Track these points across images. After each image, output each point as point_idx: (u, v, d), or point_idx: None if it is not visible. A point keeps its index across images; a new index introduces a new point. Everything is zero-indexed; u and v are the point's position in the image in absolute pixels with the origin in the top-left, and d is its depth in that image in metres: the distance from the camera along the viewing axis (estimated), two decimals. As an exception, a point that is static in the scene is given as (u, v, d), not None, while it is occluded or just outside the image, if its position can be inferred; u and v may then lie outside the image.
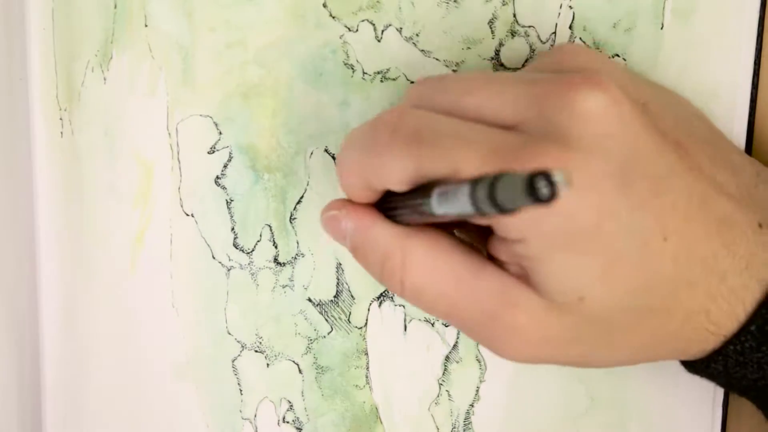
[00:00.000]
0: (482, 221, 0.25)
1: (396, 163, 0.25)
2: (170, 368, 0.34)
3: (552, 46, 0.31)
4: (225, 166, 0.32)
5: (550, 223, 0.23)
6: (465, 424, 0.34)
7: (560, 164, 0.23)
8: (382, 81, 0.32)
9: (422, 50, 0.31)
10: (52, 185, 0.33)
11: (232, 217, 0.33)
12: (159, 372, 0.34)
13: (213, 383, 0.34)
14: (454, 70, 0.31)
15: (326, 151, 0.32)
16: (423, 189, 0.25)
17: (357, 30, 0.32)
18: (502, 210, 0.18)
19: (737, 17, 0.31)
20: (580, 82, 0.24)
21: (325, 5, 0.31)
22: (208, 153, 0.32)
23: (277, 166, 0.32)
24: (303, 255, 0.33)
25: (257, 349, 0.33)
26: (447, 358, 0.33)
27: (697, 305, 0.26)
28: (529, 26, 0.31)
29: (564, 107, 0.24)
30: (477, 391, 0.33)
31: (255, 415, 0.34)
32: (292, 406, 0.34)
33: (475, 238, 0.29)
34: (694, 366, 0.29)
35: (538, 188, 0.17)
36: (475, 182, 0.19)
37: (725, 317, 0.26)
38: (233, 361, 0.33)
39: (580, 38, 0.31)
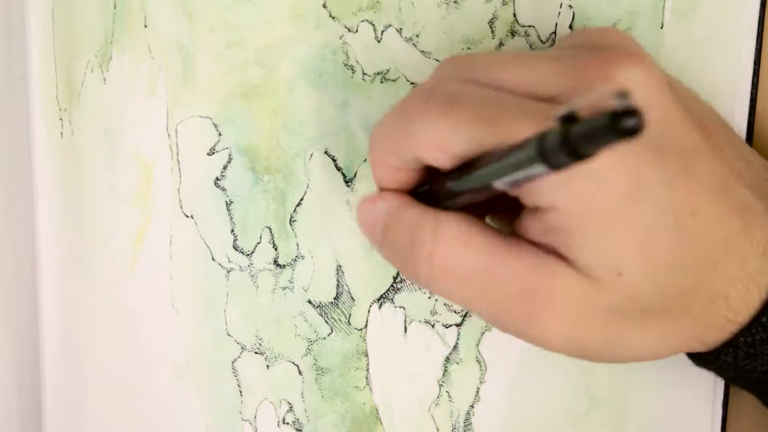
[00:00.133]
0: (521, 193, 0.24)
1: (431, 126, 0.25)
2: (170, 369, 0.34)
3: (552, 46, 0.31)
4: (225, 168, 0.32)
5: (585, 187, 0.23)
6: (465, 425, 0.34)
7: None
8: (382, 82, 0.32)
9: (422, 51, 0.31)
10: (52, 185, 0.33)
11: (231, 218, 0.33)
12: (159, 373, 0.34)
13: (213, 384, 0.34)
14: (454, 71, 0.31)
15: (326, 152, 0.32)
16: (464, 166, 0.24)
17: (357, 30, 0.31)
18: (579, 155, 0.17)
19: (737, 17, 0.31)
20: (619, 55, 0.24)
21: (325, 6, 0.31)
22: (208, 154, 0.32)
23: (277, 168, 0.32)
24: (303, 257, 0.33)
25: (257, 350, 0.33)
26: (447, 359, 0.33)
27: (719, 288, 0.26)
28: (530, 26, 0.31)
29: (604, 79, 0.24)
30: (477, 392, 0.33)
31: (255, 417, 0.34)
32: (292, 407, 0.34)
33: (504, 224, 0.29)
34: (703, 359, 0.28)
35: (622, 122, 0.16)
36: (543, 134, 0.18)
37: (742, 303, 0.26)
38: (233, 362, 0.33)
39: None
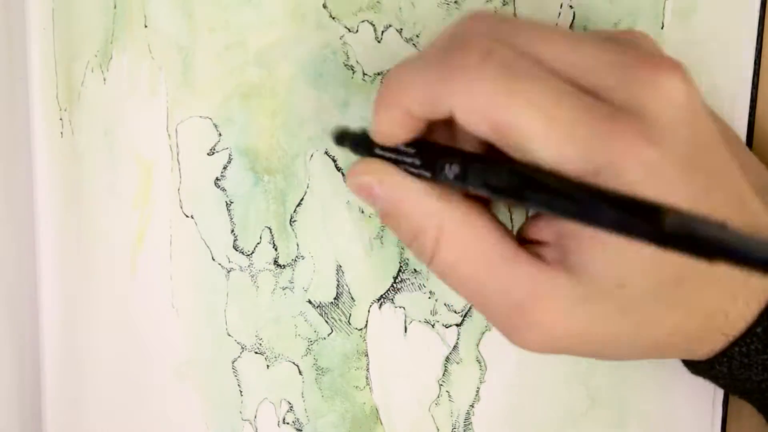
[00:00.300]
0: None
1: (484, 92, 0.23)
2: (170, 369, 0.34)
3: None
4: (225, 168, 0.32)
5: None
6: (465, 425, 0.34)
7: (647, 142, 0.23)
8: (382, 82, 0.32)
9: (422, 51, 0.31)
10: (52, 185, 0.33)
11: (232, 218, 0.33)
12: (159, 373, 0.34)
13: (213, 384, 0.34)
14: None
15: (326, 153, 0.32)
16: (493, 156, 0.24)
17: (357, 31, 0.31)
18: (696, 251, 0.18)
19: (737, 17, 0.31)
20: (669, 65, 0.24)
21: (325, 6, 0.31)
22: (208, 154, 0.32)
23: (277, 168, 0.32)
24: (303, 257, 0.33)
25: (257, 350, 0.33)
26: (447, 359, 0.33)
27: (719, 304, 0.26)
28: (530, 27, 0.31)
29: (650, 85, 0.24)
30: (477, 391, 0.33)
31: (255, 416, 0.34)
32: (292, 407, 0.34)
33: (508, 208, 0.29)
34: (697, 367, 0.29)
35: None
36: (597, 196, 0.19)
37: (739, 318, 0.26)
38: (233, 362, 0.33)
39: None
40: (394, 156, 0.27)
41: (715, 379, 0.28)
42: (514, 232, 0.28)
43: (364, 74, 0.32)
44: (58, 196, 0.33)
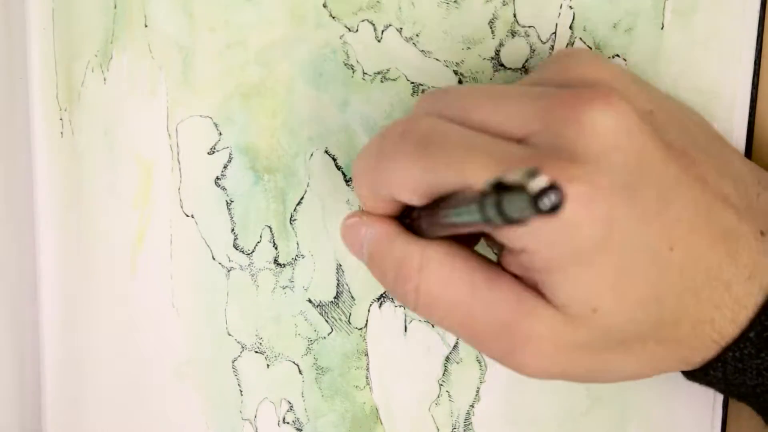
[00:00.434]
0: (494, 232, 0.25)
1: (402, 169, 0.25)
2: (170, 369, 0.34)
3: (552, 47, 0.31)
4: (225, 167, 0.32)
5: (553, 234, 0.23)
6: (465, 425, 0.34)
7: (567, 177, 0.23)
8: (382, 81, 0.32)
9: (422, 50, 0.31)
10: (52, 185, 0.33)
11: (232, 218, 0.33)
12: (159, 372, 0.34)
13: (213, 383, 0.34)
14: (454, 71, 0.31)
15: (326, 152, 0.32)
16: (440, 201, 0.25)
17: (357, 30, 0.32)
18: (509, 221, 0.18)
19: (737, 17, 0.31)
20: (587, 97, 0.24)
21: (325, 5, 0.31)
22: (208, 154, 0.32)
23: (277, 167, 0.32)
24: (303, 256, 0.33)
25: (257, 349, 0.33)
26: (447, 358, 0.33)
27: (703, 314, 0.26)
28: (530, 26, 0.31)
29: (571, 121, 0.24)
30: (477, 391, 0.33)
31: (255, 416, 0.34)
32: (292, 406, 0.34)
33: (498, 247, 0.29)
34: (692, 374, 0.29)
35: (541, 199, 0.17)
36: (483, 194, 0.19)
37: (728, 324, 0.26)
38: (233, 361, 0.33)
39: (581, 38, 0.31)
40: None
41: (710, 384, 0.29)
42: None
43: (364, 73, 0.32)
44: (58, 196, 0.33)
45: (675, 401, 0.33)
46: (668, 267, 0.25)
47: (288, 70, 0.32)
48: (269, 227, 0.33)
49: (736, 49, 0.31)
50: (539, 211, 0.17)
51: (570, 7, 0.31)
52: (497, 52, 0.31)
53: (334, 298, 0.33)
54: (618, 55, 0.31)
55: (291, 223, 0.32)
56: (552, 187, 0.17)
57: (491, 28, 0.31)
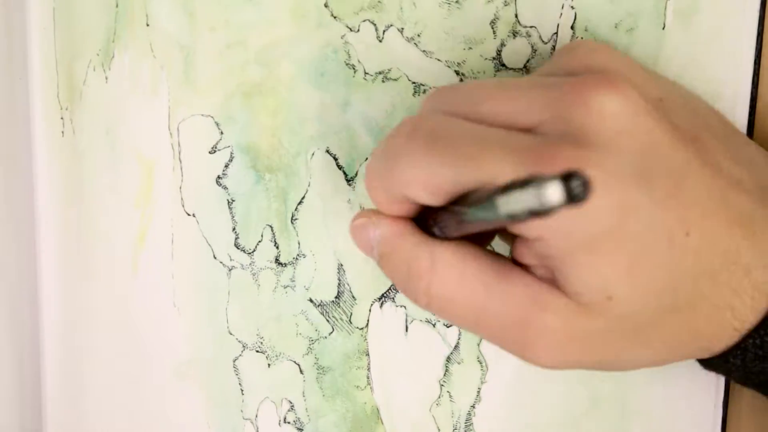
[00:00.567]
0: (510, 225, 0.25)
1: (413, 166, 0.25)
2: (171, 368, 0.33)
3: (554, 47, 0.31)
4: (226, 166, 0.32)
5: (567, 221, 0.23)
6: (466, 425, 0.33)
7: (579, 163, 0.23)
8: (383, 81, 0.32)
9: (424, 51, 0.31)
10: (52, 185, 0.33)
11: (233, 217, 0.33)
12: (160, 372, 0.34)
13: (214, 383, 0.33)
14: (455, 71, 0.31)
15: (328, 151, 0.32)
16: (454, 201, 0.25)
17: (358, 30, 0.32)
18: (534, 214, 0.18)
19: (738, 17, 0.31)
20: (594, 82, 0.24)
21: (326, 5, 0.31)
22: (210, 153, 0.32)
23: (278, 167, 0.32)
24: (304, 255, 0.33)
25: (258, 349, 0.33)
26: (448, 358, 0.33)
27: (721, 301, 0.26)
28: (531, 26, 0.31)
29: (579, 108, 0.24)
30: (478, 392, 0.33)
31: (256, 416, 0.34)
32: (293, 406, 0.34)
33: (508, 242, 0.29)
34: (710, 363, 0.28)
35: (569, 189, 0.17)
36: (504, 189, 0.19)
37: (749, 312, 0.26)
38: (234, 361, 0.33)
39: (582, 39, 0.31)
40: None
41: (729, 372, 0.28)
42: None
43: (366, 73, 0.32)
44: (58, 195, 0.33)
45: (675, 401, 0.33)
46: (684, 252, 0.25)
47: (289, 70, 0.32)
48: (270, 226, 0.33)
49: (736, 49, 0.31)
50: (568, 201, 0.17)
51: (571, 7, 0.31)
52: (499, 53, 0.31)
53: (335, 297, 0.33)
54: (619, 55, 0.31)
55: (292, 223, 0.32)
56: (574, 176, 0.17)
57: (493, 28, 0.31)
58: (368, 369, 0.33)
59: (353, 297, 0.33)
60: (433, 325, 0.33)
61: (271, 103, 0.32)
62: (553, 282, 0.25)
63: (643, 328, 0.26)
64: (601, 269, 0.24)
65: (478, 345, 0.33)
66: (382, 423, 0.34)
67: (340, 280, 0.33)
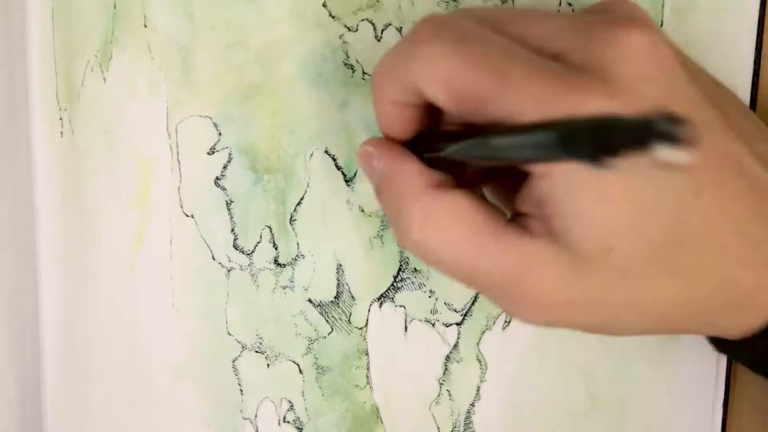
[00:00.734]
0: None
1: (439, 57, 0.24)
2: (170, 368, 0.34)
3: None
4: (225, 167, 0.32)
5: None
6: (466, 424, 0.34)
7: (600, 99, 0.22)
8: (382, 81, 0.32)
9: (422, 50, 0.31)
10: (52, 185, 0.33)
11: (232, 218, 0.33)
12: (159, 372, 0.34)
13: (213, 383, 0.34)
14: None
15: (326, 152, 0.32)
16: (459, 133, 0.24)
17: (357, 30, 0.31)
18: (607, 151, 0.17)
19: (737, 16, 0.31)
20: (627, 21, 0.24)
21: (324, 5, 0.31)
22: (208, 154, 0.32)
23: (277, 167, 0.32)
24: (303, 256, 0.33)
25: (257, 349, 0.33)
26: (447, 357, 0.33)
27: (728, 274, 0.25)
28: (530, 26, 0.31)
29: (608, 42, 0.23)
30: (478, 390, 0.33)
31: (255, 415, 0.34)
32: (292, 406, 0.34)
33: (502, 198, 0.29)
34: (721, 344, 0.28)
35: (668, 133, 0.15)
36: (568, 126, 0.18)
37: (757, 290, 0.25)
38: (233, 361, 0.33)
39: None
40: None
41: (737, 358, 0.28)
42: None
43: (364, 73, 0.32)
44: (58, 196, 0.33)
45: (675, 401, 0.33)
46: (692, 213, 0.24)
47: (288, 70, 0.32)
48: (269, 227, 0.33)
49: (735, 49, 0.31)
50: (664, 137, 0.15)
51: (569, 4, 0.31)
52: (497, 52, 0.31)
53: (335, 297, 0.33)
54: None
55: (291, 223, 0.32)
56: (676, 120, 0.16)
57: (491, 27, 0.31)
58: (367, 368, 0.33)
59: (352, 297, 0.33)
60: (433, 325, 0.33)
61: (269, 104, 0.32)
62: (550, 235, 0.24)
63: (641, 287, 0.25)
64: (603, 218, 0.23)
65: (478, 344, 0.33)
66: (382, 422, 0.34)
67: (339, 280, 0.33)
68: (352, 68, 0.32)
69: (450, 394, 0.33)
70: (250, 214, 0.32)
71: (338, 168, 0.32)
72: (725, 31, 0.31)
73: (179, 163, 0.32)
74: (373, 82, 0.27)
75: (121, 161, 0.32)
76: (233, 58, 0.32)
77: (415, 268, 0.33)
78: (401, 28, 0.31)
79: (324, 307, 0.33)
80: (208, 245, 0.33)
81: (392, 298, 0.33)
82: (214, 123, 0.32)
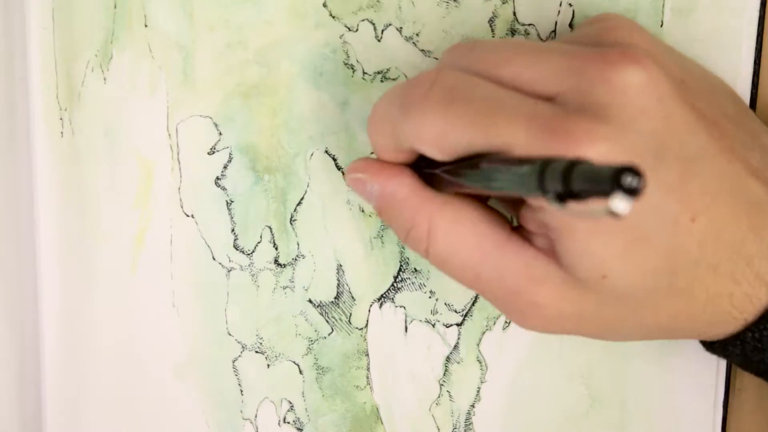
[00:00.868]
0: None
1: (428, 121, 0.25)
2: (171, 368, 0.33)
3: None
4: (225, 167, 0.32)
5: None
6: (466, 425, 0.33)
7: (594, 136, 0.23)
8: (382, 81, 0.32)
9: (422, 50, 0.31)
10: (52, 185, 0.33)
11: (232, 218, 0.33)
12: (159, 372, 0.34)
13: (213, 383, 0.33)
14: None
15: (326, 152, 0.32)
16: (464, 159, 0.25)
17: (357, 30, 0.31)
18: (575, 196, 0.18)
19: (737, 16, 0.31)
20: (619, 57, 0.24)
21: (325, 5, 0.31)
22: (208, 153, 0.32)
23: (277, 167, 0.32)
24: (303, 256, 0.33)
25: (258, 349, 0.33)
26: (448, 358, 0.33)
27: (721, 288, 0.26)
28: (529, 24, 0.31)
29: (602, 81, 0.24)
30: (478, 391, 0.33)
31: (256, 416, 0.34)
32: (292, 406, 0.34)
33: (507, 206, 0.29)
34: (712, 346, 0.28)
35: (624, 181, 0.17)
36: (544, 164, 0.19)
37: (747, 301, 0.26)
38: (234, 361, 0.33)
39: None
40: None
41: (729, 358, 0.28)
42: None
43: (364, 73, 0.32)
44: (58, 196, 0.33)
45: (675, 401, 0.33)
46: (688, 238, 0.24)
47: (288, 70, 0.32)
48: (269, 227, 0.33)
49: (735, 48, 0.31)
50: (623, 191, 0.17)
51: (570, 4, 0.31)
52: (497, 52, 0.31)
53: (335, 298, 0.33)
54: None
55: (291, 224, 0.32)
56: (632, 170, 0.17)
57: (491, 26, 0.31)
58: (368, 369, 0.33)
59: (352, 297, 0.33)
60: (433, 326, 0.33)
61: (270, 104, 0.32)
62: (551, 253, 0.25)
63: (637, 308, 0.26)
64: (597, 248, 0.24)
65: (478, 345, 0.33)
66: (382, 423, 0.34)
67: (339, 280, 0.33)
68: (352, 68, 0.32)
69: (450, 395, 0.33)
70: (251, 214, 0.32)
71: (338, 168, 0.32)
72: (725, 31, 0.31)
73: (179, 163, 0.32)
74: (368, 130, 0.28)
75: (121, 161, 0.32)
76: (233, 58, 0.32)
77: (415, 269, 0.33)
78: (401, 28, 0.31)
79: (324, 308, 0.33)
80: (208, 245, 0.33)
81: (392, 299, 0.33)
82: (214, 123, 0.32)
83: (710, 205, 0.25)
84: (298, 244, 0.33)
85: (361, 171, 0.28)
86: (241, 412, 0.34)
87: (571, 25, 0.31)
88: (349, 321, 0.33)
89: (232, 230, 0.33)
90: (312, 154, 0.32)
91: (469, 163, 0.25)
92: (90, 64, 0.32)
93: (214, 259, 0.33)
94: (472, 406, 0.33)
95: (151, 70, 0.32)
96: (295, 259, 0.33)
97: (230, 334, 0.33)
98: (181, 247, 0.33)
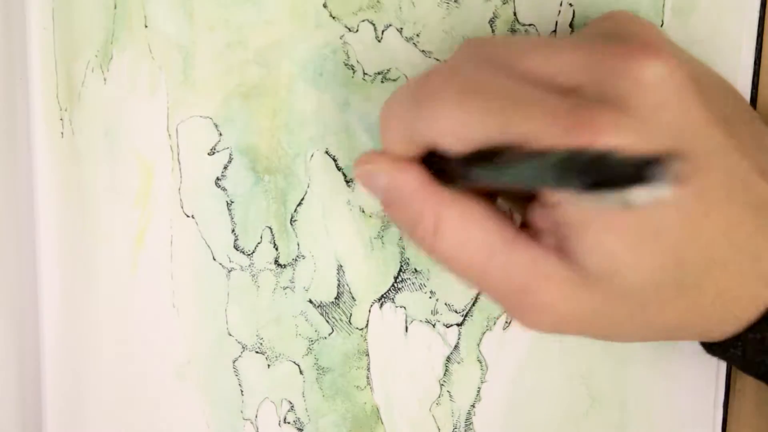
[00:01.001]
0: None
1: (444, 112, 0.25)
2: (171, 369, 0.34)
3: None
4: (225, 168, 0.32)
5: None
6: (466, 425, 0.34)
7: (622, 128, 0.23)
8: (382, 81, 0.32)
9: (423, 50, 0.31)
10: (52, 185, 0.33)
11: (232, 218, 0.33)
12: (160, 373, 0.34)
13: (214, 384, 0.34)
14: (454, 71, 0.31)
15: (327, 152, 0.32)
16: (477, 154, 0.24)
17: (357, 30, 0.31)
18: (598, 184, 0.18)
19: (737, 16, 0.31)
20: (640, 50, 0.24)
21: (325, 5, 0.31)
22: (209, 154, 0.32)
23: (277, 168, 0.32)
24: (303, 257, 0.33)
25: (258, 350, 0.33)
26: (448, 358, 0.33)
27: (727, 287, 0.26)
28: (530, 24, 0.31)
29: (623, 74, 0.24)
30: (478, 391, 0.33)
31: (256, 416, 0.34)
32: (293, 406, 0.34)
33: (515, 204, 0.29)
34: (712, 348, 0.28)
35: (666, 169, 0.16)
36: (571, 155, 0.18)
37: (749, 301, 0.26)
38: (234, 361, 0.33)
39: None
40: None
41: (730, 360, 0.28)
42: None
43: (365, 73, 0.32)
44: (58, 196, 0.33)
45: (675, 401, 0.33)
46: (700, 235, 0.24)
47: (288, 70, 0.32)
48: (270, 228, 0.33)
49: (735, 49, 0.31)
50: (657, 178, 0.16)
51: (570, 4, 0.31)
52: (498, 52, 0.31)
53: (335, 298, 0.33)
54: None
55: (291, 224, 0.32)
56: (661, 161, 0.16)
57: (492, 26, 0.31)
58: (368, 369, 0.33)
59: (353, 298, 0.33)
60: (433, 326, 0.33)
61: (270, 104, 0.32)
62: (559, 251, 0.25)
63: (645, 305, 0.26)
64: (610, 242, 0.24)
65: (478, 345, 0.33)
66: (382, 423, 0.34)
67: (339, 281, 0.33)
68: (352, 69, 0.32)
69: (450, 395, 0.33)
70: (251, 214, 0.32)
71: (339, 169, 0.32)
72: (725, 31, 0.31)
73: (180, 163, 0.32)
74: (381, 122, 0.27)
75: (121, 161, 0.32)
76: (234, 58, 0.32)
77: (415, 269, 0.33)
78: (401, 28, 0.31)
79: (324, 308, 0.33)
80: (208, 246, 0.33)
81: (393, 299, 0.33)
82: (214, 123, 0.32)
83: (723, 202, 0.25)
84: (298, 245, 0.33)
85: (370, 163, 0.28)
86: (242, 412, 0.34)
87: (571, 25, 0.31)
88: (349, 321, 0.33)
89: (233, 231, 0.33)
90: (312, 155, 0.32)
91: (483, 155, 0.24)
92: (90, 64, 0.32)
93: (214, 259, 0.33)
94: (473, 406, 0.33)
95: (151, 71, 0.32)
96: (296, 260, 0.33)
97: (230, 335, 0.33)
98: (182, 247, 0.33)
